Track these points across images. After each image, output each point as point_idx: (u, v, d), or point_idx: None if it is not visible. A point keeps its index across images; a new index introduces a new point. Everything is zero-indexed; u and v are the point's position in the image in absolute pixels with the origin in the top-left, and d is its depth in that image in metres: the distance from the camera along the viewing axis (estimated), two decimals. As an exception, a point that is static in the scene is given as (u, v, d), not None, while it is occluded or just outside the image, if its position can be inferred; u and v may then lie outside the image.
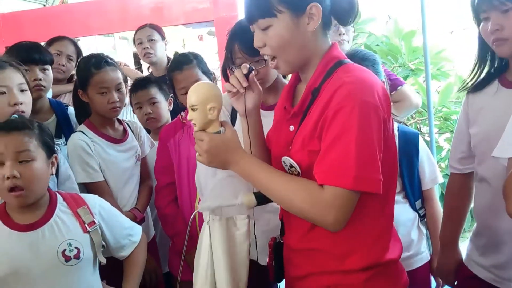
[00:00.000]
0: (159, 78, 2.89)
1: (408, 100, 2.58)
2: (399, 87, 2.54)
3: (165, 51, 3.16)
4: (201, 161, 1.27)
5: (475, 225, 1.67)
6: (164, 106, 2.42)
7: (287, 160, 1.25)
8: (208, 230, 1.37)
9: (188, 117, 1.26)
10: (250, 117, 1.37)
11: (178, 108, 2.25)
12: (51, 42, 2.76)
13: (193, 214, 1.49)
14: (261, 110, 1.85)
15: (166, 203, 2.06)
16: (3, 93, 1.67)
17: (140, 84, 2.41)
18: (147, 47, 3.03)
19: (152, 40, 3.05)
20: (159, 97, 2.39)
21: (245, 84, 1.31)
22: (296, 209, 1.17)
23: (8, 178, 1.39)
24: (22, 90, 1.72)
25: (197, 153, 1.28)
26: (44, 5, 4.83)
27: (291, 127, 1.27)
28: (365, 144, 1.08)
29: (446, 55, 4.23)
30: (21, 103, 1.69)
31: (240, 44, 1.69)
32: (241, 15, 3.25)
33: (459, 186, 1.72)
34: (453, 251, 1.75)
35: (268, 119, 1.88)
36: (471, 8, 1.47)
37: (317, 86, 1.21)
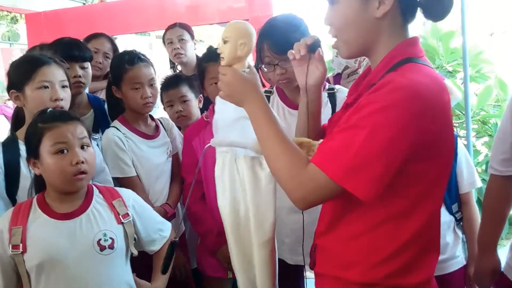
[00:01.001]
0: (189, 77, 2.91)
1: (454, 93, 2.68)
2: None
3: (194, 50, 3.14)
4: (221, 95, 1.26)
5: (515, 232, 1.61)
6: (195, 104, 2.44)
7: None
8: (234, 166, 1.37)
9: (218, 50, 1.27)
10: (308, 92, 1.36)
11: (206, 107, 2.26)
12: (88, 39, 2.80)
13: (204, 148, 1.44)
14: (289, 109, 1.87)
15: (194, 200, 2.06)
16: (46, 87, 1.73)
17: (172, 82, 2.43)
18: (178, 47, 3.00)
19: (182, 40, 3.02)
20: (190, 95, 2.42)
21: (302, 52, 1.29)
22: (275, 172, 1.14)
23: (77, 163, 1.46)
24: (63, 87, 1.79)
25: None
26: (84, 4, 4.95)
27: None
28: (373, 147, 1.00)
29: (485, 57, 4.12)
30: (62, 99, 1.75)
31: (268, 42, 1.70)
32: (275, 14, 3.26)
33: (500, 189, 1.66)
34: (491, 255, 1.70)
35: (296, 118, 1.87)
36: None
37: (375, 82, 1.11)
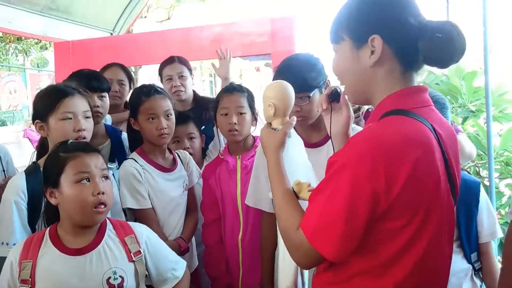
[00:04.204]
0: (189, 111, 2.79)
1: (461, 149, 2.51)
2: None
3: (192, 85, 2.98)
4: None
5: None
6: (199, 142, 2.48)
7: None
8: None
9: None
10: (336, 138, 1.39)
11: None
12: (103, 70, 2.81)
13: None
14: (305, 148, 1.85)
15: (213, 242, 2.07)
16: (69, 118, 1.76)
17: (181, 119, 2.35)
18: (178, 85, 2.84)
19: (182, 76, 2.86)
20: (196, 133, 2.45)
21: (324, 106, 1.38)
22: (280, 228, 1.22)
23: (97, 193, 1.46)
24: (86, 117, 1.82)
25: None
26: (111, 34, 5.07)
27: None
28: (333, 208, 1.03)
29: (510, 97, 4.05)
30: (84, 130, 1.78)
31: (284, 80, 1.71)
32: (298, 50, 3.27)
33: None
34: None
35: (312, 157, 1.86)
36: None
37: None
